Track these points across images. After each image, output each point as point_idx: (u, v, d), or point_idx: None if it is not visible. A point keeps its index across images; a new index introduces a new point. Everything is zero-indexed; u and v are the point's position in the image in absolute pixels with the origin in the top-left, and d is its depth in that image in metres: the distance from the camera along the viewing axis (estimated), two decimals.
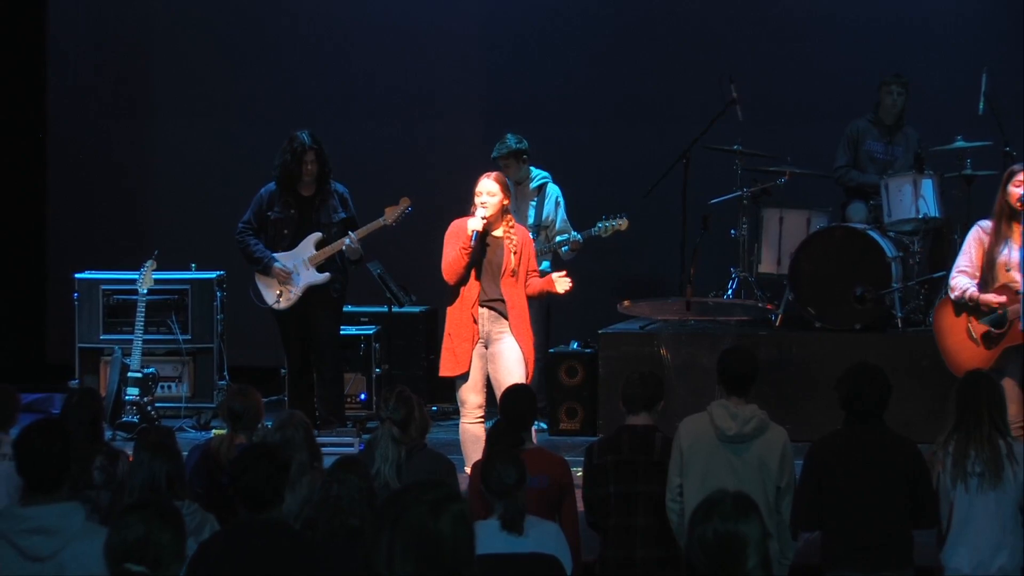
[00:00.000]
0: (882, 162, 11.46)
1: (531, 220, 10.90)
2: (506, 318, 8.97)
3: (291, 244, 10.58)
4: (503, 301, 8.98)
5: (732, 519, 4.24)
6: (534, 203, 10.99)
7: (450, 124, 13.15)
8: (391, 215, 10.58)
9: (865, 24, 12.68)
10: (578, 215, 11.01)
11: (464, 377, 8.99)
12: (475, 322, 8.97)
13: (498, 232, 9.02)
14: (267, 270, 10.54)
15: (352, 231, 10.51)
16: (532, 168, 11.04)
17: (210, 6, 13.60)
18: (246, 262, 10.68)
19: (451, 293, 9.13)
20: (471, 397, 9.02)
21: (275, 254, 10.55)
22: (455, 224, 9.17)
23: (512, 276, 9.00)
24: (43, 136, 13.77)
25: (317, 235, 10.56)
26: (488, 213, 8.95)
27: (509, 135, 10.90)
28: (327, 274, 10.56)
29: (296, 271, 10.55)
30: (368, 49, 13.32)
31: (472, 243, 8.92)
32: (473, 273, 8.99)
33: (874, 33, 12.62)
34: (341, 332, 11.03)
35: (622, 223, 10.57)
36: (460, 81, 13.30)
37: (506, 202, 9.04)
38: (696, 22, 12.89)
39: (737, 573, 4.22)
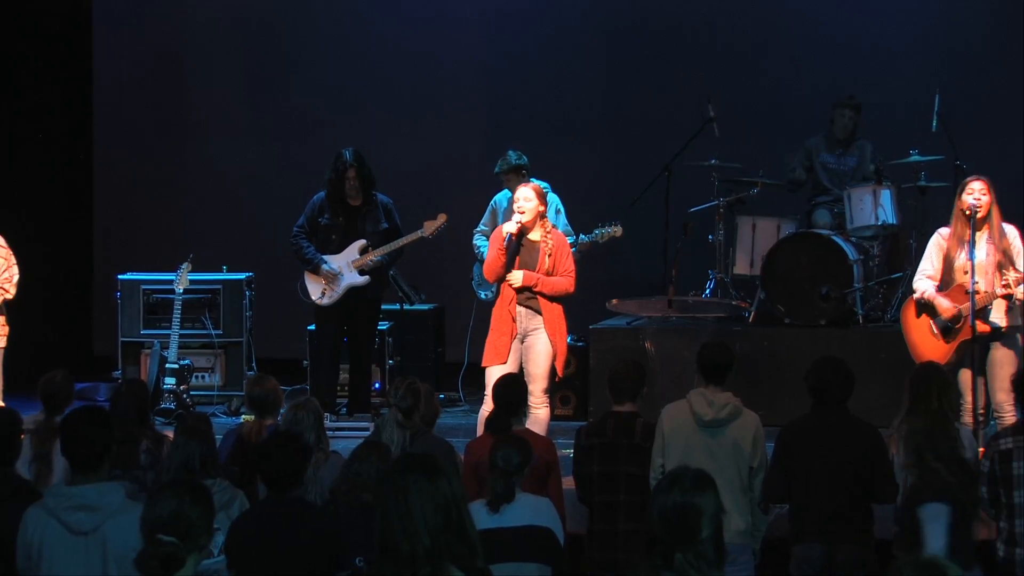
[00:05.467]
0: (834, 171, 11.49)
1: None
2: (541, 314, 8.92)
3: (339, 248, 10.55)
4: (537, 300, 8.91)
5: (690, 492, 4.28)
6: None
7: (455, 141, 13.15)
8: (429, 228, 10.56)
9: (829, 50, 12.72)
10: (573, 221, 10.98)
11: (501, 368, 8.81)
12: (513, 320, 8.89)
13: (535, 236, 8.93)
14: (317, 270, 10.54)
15: (385, 245, 10.49)
16: (532, 180, 10.95)
17: (243, 30, 13.60)
18: (298, 262, 10.66)
19: (496, 291, 9.10)
20: None
21: (324, 256, 10.54)
22: (498, 228, 9.13)
23: (547, 276, 8.93)
24: (90, 151, 13.77)
25: (362, 242, 10.54)
26: (524, 218, 8.86)
27: (510, 152, 10.70)
28: (367, 277, 10.53)
29: (341, 273, 10.53)
30: (380, 71, 13.33)
31: (507, 244, 8.88)
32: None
33: (838, 58, 12.65)
34: None
35: (616, 229, 10.44)
36: (465, 103, 13.31)
37: (542, 208, 8.92)
38: (678, 50, 12.92)
39: (692, 540, 4.26)
